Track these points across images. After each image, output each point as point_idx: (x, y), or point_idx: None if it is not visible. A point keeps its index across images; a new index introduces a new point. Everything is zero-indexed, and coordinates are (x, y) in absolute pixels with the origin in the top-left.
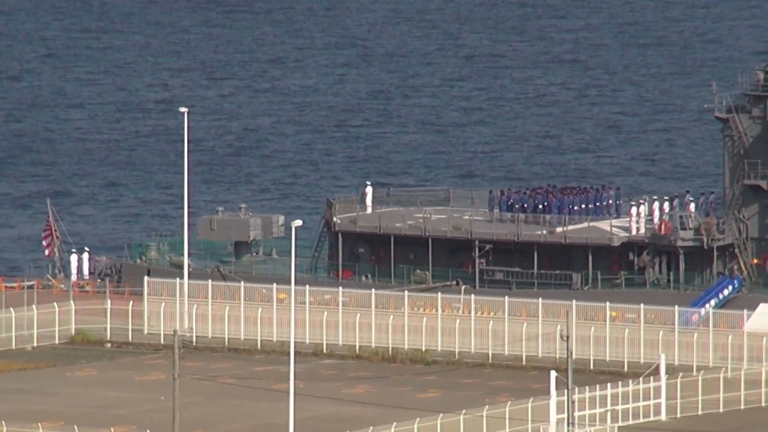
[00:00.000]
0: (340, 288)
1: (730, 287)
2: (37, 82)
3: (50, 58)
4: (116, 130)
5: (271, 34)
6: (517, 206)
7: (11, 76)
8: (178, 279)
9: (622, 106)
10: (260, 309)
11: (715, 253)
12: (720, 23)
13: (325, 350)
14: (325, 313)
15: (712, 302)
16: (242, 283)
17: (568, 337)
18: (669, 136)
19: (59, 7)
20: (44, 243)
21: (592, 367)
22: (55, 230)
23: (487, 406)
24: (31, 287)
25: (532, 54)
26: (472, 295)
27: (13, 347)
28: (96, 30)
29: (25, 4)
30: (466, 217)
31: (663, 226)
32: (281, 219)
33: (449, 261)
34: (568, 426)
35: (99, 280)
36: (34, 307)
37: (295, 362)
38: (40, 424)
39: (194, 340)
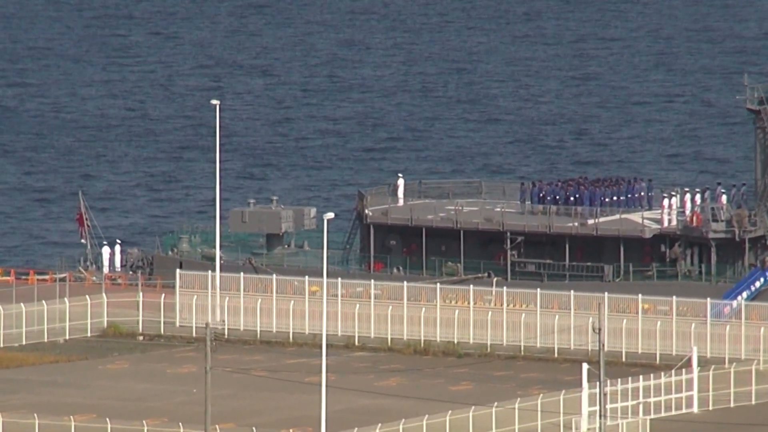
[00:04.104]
0: (372, 280)
1: (762, 279)
2: (71, 71)
3: (85, 45)
4: (151, 120)
5: (306, 27)
6: (548, 198)
7: (44, 66)
8: (210, 271)
9: (654, 98)
10: (292, 301)
11: (747, 245)
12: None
13: (357, 343)
14: (357, 305)
15: (744, 294)
16: (274, 275)
17: (600, 329)
18: (701, 127)
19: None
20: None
21: (624, 359)
22: (87, 220)
23: (519, 399)
24: (63, 280)
25: (565, 44)
26: (504, 288)
27: (46, 340)
28: (137, 18)
29: None
30: (498, 209)
31: (695, 218)
32: (313, 211)
33: (481, 253)
34: (600, 418)
35: (131, 273)
36: (66, 299)
37: (327, 355)
38: (72, 417)
39: (226, 333)
